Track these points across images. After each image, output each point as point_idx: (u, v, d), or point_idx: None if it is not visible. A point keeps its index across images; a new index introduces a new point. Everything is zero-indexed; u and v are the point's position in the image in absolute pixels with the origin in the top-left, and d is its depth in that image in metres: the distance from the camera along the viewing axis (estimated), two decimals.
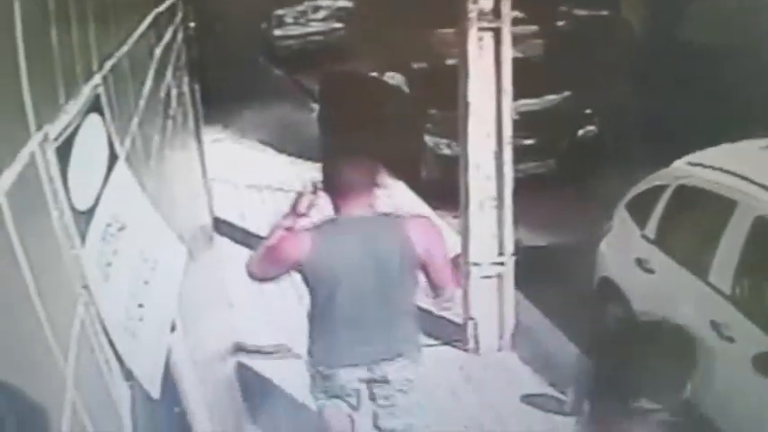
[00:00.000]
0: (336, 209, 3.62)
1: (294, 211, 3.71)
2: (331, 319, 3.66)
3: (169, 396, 2.34)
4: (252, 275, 3.76)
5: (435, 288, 3.84)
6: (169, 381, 2.30)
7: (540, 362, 5.75)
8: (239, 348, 5.99)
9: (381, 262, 3.56)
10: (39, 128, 1.53)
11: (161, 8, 4.30)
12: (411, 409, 3.90)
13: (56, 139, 1.63)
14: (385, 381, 3.81)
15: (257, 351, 6.06)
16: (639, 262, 5.63)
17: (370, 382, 3.85)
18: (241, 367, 5.80)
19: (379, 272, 3.57)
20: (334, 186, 3.61)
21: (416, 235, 3.60)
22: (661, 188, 5.69)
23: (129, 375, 1.79)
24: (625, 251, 5.92)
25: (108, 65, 2.30)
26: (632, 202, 6.11)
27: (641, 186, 6.05)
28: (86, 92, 1.96)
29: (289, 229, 3.67)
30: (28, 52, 1.47)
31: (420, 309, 6.38)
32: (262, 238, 3.90)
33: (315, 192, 3.68)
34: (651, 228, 5.66)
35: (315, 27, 21.15)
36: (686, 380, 1.80)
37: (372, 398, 3.91)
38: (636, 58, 12.57)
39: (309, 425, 4.46)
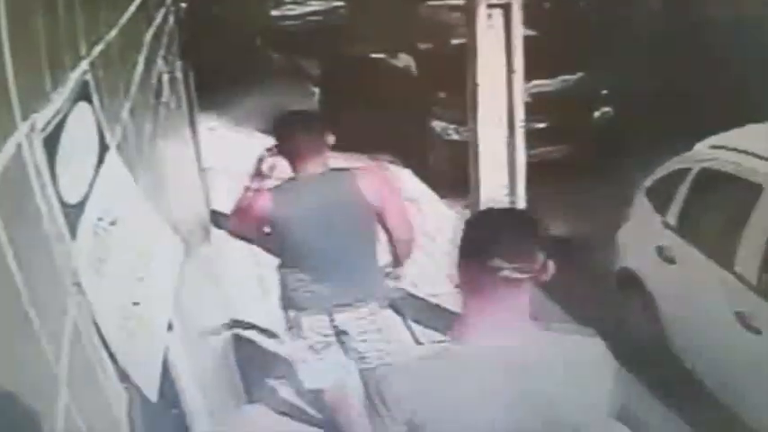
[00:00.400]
0: (293, 169, 4.11)
1: (258, 174, 4.22)
2: (294, 269, 4.15)
3: (167, 397, 2.35)
4: (231, 234, 4.59)
5: (397, 242, 4.23)
6: (167, 382, 2.31)
7: None
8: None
9: (336, 213, 3.99)
10: (25, 117, 1.53)
11: None
12: (380, 357, 4.23)
13: (43, 129, 1.63)
14: (345, 332, 4.17)
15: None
16: (660, 251, 5.62)
17: (337, 335, 4.20)
18: (238, 340, 5.87)
19: (334, 223, 4.00)
20: (287, 149, 4.12)
21: (367, 185, 4.04)
22: (682, 172, 5.67)
23: (124, 376, 1.79)
24: (645, 240, 5.91)
25: (96, 50, 2.30)
26: (652, 188, 6.09)
27: (661, 171, 6.04)
28: (74, 79, 1.97)
29: (257, 191, 4.19)
30: (12, 37, 1.47)
31: (430, 303, 6.43)
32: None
33: (273, 155, 4.20)
34: (672, 214, 5.64)
35: (314, 6, 21.08)
36: (534, 247, 2.25)
37: (345, 352, 4.26)
38: (654, 35, 12.51)
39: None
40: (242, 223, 4.29)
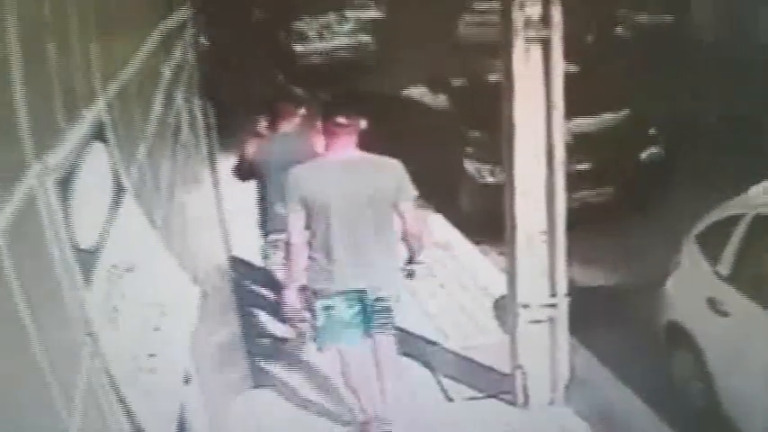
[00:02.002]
0: (273, 128, 6.51)
1: (254, 133, 6.62)
2: (273, 201, 6.08)
3: None
4: (237, 178, 6.74)
5: None
6: None
7: (599, 417, 5.69)
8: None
9: (294, 157, 5.56)
10: (37, 154, 1.55)
11: (169, 23, 4.37)
12: None
13: (56, 169, 1.65)
14: None
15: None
16: (712, 303, 5.58)
17: None
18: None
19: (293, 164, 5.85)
20: (271, 114, 6.54)
21: (316, 140, 5.68)
22: (736, 218, 5.64)
23: None
24: (695, 291, 5.87)
25: (112, 87, 2.33)
26: (703, 235, 6.06)
27: (713, 216, 6.01)
28: (89, 117, 1.99)
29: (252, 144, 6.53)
30: (23, 71, 1.49)
31: (462, 357, 6.41)
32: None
33: (263, 120, 6.57)
34: (725, 264, 5.60)
35: (340, 41, 21.24)
36: (353, 111, 4.94)
37: None
38: (706, 69, 12.50)
39: None
40: (241, 166, 6.57)
